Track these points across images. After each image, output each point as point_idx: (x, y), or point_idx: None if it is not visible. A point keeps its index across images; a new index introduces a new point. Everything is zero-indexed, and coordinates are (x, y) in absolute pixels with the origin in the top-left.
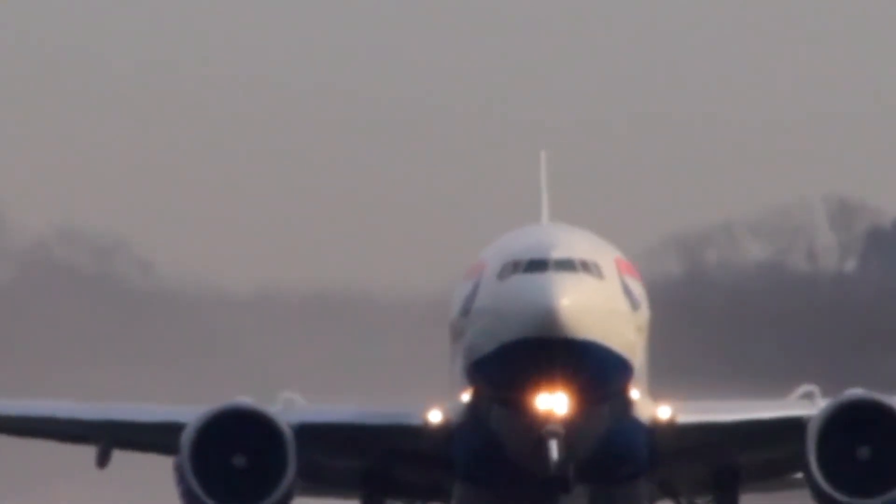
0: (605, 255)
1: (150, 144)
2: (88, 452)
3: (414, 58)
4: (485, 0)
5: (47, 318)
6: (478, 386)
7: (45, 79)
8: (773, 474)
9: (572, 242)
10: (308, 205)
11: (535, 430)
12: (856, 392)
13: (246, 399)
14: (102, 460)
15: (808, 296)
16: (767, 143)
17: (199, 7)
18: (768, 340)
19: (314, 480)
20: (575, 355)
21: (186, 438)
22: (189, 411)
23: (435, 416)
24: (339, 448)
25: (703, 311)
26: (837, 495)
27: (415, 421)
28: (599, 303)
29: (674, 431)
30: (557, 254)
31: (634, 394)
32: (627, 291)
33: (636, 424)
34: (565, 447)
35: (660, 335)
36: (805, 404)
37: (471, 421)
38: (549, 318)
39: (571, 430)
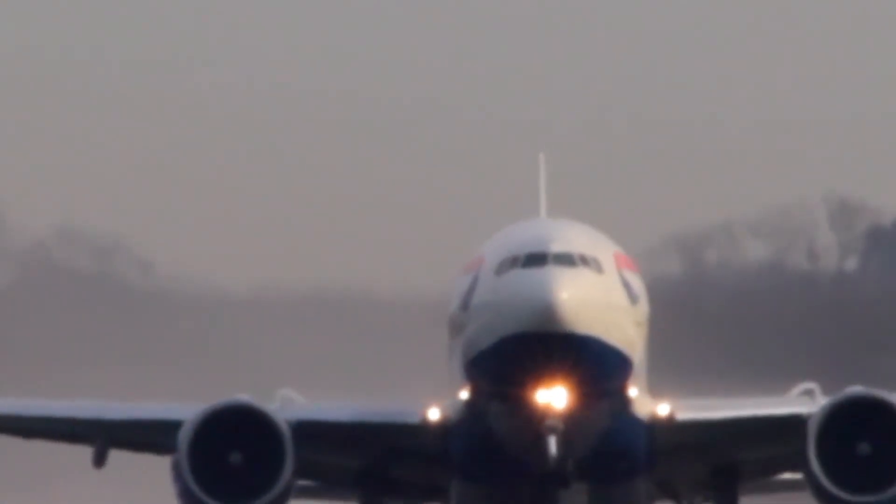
0: (604, 249)
1: (150, 144)
2: (85, 452)
3: (414, 58)
4: (485, 0)
5: (47, 318)
6: (476, 381)
7: (45, 79)
8: (773, 473)
9: (571, 236)
10: (308, 205)
11: (534, 425)
12: (856, 389)
13: (243, 396)
14: (99, 460)
15: (808, 296)
16: (767, 143)
17: (199, 7)
18: (768, 340)
19: (311, 479)
20: (574, 350)
21: (183, 436)
22: (186, 409)
23: (433, 414)
24: (336, 446)
25: (703, 311)
26: (838, 492)
27: (413, 419)
28: (598, 297)
29: (673, 428)
30: (556, 248)
31: (633, 391)
32: (626, 286)
33: (635, 421)
34: (564, 442)
35: (660, 335)
36: (805, 401)
37: (469, 418)
38: (547, 312)
39: (570, 426)
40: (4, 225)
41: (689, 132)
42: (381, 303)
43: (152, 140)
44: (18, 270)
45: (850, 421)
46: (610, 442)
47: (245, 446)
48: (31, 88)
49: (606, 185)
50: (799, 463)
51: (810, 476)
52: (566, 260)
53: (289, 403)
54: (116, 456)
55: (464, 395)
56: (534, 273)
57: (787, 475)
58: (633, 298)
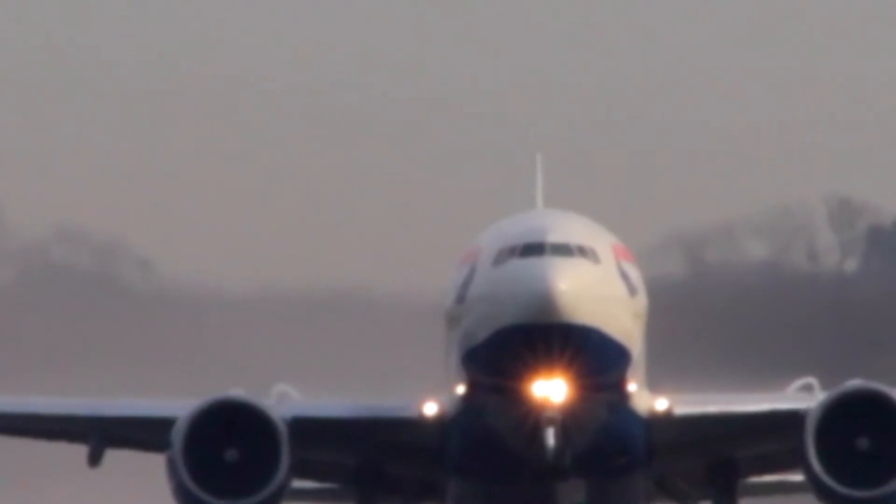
0: (602, 239)
1: (150, 144)
2: (80, 452)
3: (414, 58)
4: (484, 0)
5: (47, 317)
6: (474, 373)
7: (45, 79)
8: (772, 470)
9: (569, 227)
10: (307, 204)
11: (532, 417)
12: (855, 383)
13: (238, 392)
14: (94, 458)
15: (808, 296)
16: (767, 143)
17: (199, 7)
18: (768, 340)
19: (307, 477)
20: (571, 340)
21: (178, 432)
22: (182, 406)
23: (430, 409)
24: (332, 442)
25: (703, 311)
26: (837, 487)
27: (409, 414)
28: (596, 287)
29: (671, 423)
30: (553, 238)
31: (632, 386)
32: (625, 277)
33: (633, 416)
34: (562, 435)
35: (660, 336)
36: (803, 397)
37: (466, 412)
38: (545, 302)
39: (568, 418)
40: (4, 225)
41: (689, 132)
42: (379, 301)
43: (152, 140)
44: (18, 270)
45: (849, 415)
46: (608, 436)
47: (241, 442)
48: (31, 89)
49: (606, 185)
50: (798, 460)
51: (809, 471)
52: (564, 250)
53: (284, 399)
54: (112, 455)
55: (461, 389)
56: (531, 263)
57: (787, 477)
58: (631, 290)
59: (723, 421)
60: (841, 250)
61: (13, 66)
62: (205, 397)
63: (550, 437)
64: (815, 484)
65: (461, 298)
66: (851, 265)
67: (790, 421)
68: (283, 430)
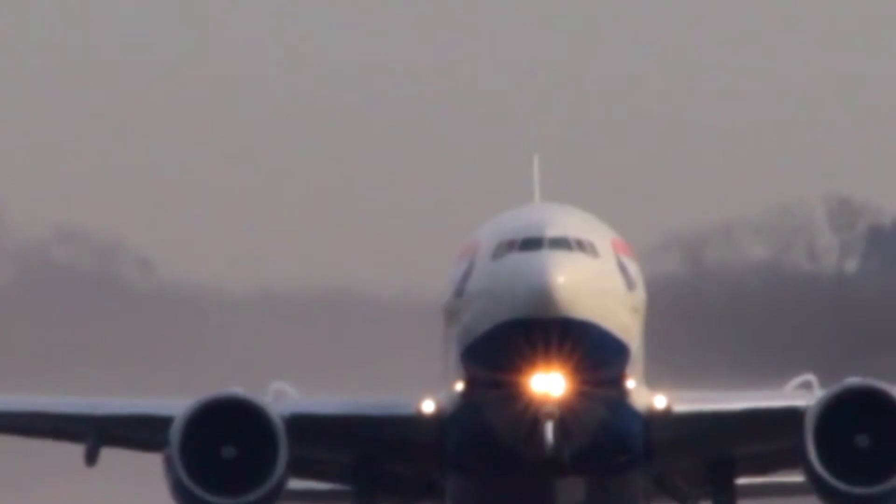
0: (601, 234)
1: (150, 145)
2: (76, 452)
3: (414, 59)
4: (483, 1)
5: (47, 317)
6: (473, 368)
7: (45, 79)
8: (770, 468)
9: (567, 221)
10: (307, 204)
11: (530, 412)
12: (854, 380)
13: (236, 389)
14: (91, 457)
15: (809, 296)
16: (767, 143)
17: (199, 8)
18: (768, 340)
19: (305, 475)
20: (569, 334)
21: (175, 429)
22: (179, 404)
23: (428, 406)
24: (330, 439)
25: (703, 311)
26: (837, 484)
27: (407, 411)
28: (595, 281)
29: (670, 420)
30: (552, 232)
31: (630, 382)
32: (623, 271)
33: (632, 413)
34: (560, 429)
35: (660, 336)
36: (803, 394)
37: (464, 409)
38: (543, 296)
39: (567, 412)
40: (4, 225)
41: (689, 132)
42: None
43: (152, 140)
44: (18, 270)
45: (848, 412)
46: (607, 433)
47: (238, 439)
48: (31, 89)
49: (606, 185)
50: (797, 458)
51: (808, 468)
52: (562, 244)
53: (282, 397)
54: (110, 455)
55: (459, 385)
56: (529, 257)
57: (786, 478)
58: (630, 284)
59: (721, 418)
60: (841, 250)
61: (13, 66)
62: (202, 395)
63: (549, 432)
64: (814, 481)
65: (460, 292)
66: (851, 265)
67: (789, 418)
68: (280, 428)
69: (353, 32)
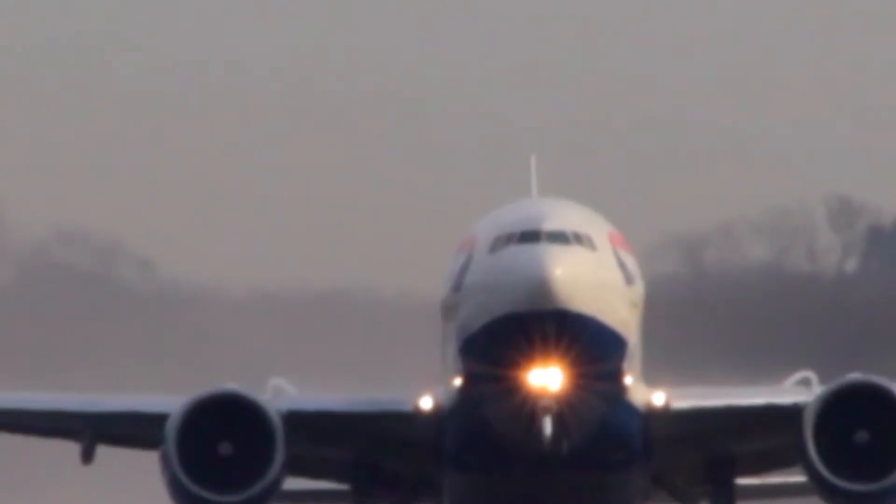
0: (599, 227)
1: (149, 145)
2: (74, 450)
3: (413, 59)
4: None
5: (47, 317)
6: (471, 363)
7: (45, 79)
8: (769, 467)
9: (565, 214)
10: (306, 204)
11: (528, 406)
12: (854, 376)
13: (233, 385)
14: (87, 455)
15: (809, 296)
16: (767, 143)
17: (199, 8)
18: (768, 341)
19: (302, 473)
20: (567, 328)
21: (172, 425)
22: (175, 401)
23: (426, 403)
24: (328, 436)
25: (703, 311)
26: (836, 481)
27: (405, 407)
28: (592, 275)
29: (668, 417)
30: (549, 225)
31: (629, 379)
32: (621, 265)
33: (630, 409)
34: (558, 423)
35: (659, 336)
36: (801, 391)
37: (462, 405)
38: (540, 289)
39: (564, 406)
40: (4, 225)
41: (688, 132)
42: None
43: (152, 140)
44: (18, 270)
45: (847, 408)
46: (605, 430)
47: (235, 436)
48: (31, 88)
49: (605, 185)
50: (796, 455)
51: (808, 465)
52: (560, 237)
53: (280, 393)
54: (108, 454)
55: (457, 381)
56: (527, 250)
57: (784, 479)
58: (628, 278)
59: (720, 415)
60: (841, 250)
61: (13, 66)
62: (199, 391)
63: (547, 426)
64: (814, 478)
65: (457, 287)
66: (851, 265)
67: (788, 414)
68: (278, 424)
69: (353, 33)
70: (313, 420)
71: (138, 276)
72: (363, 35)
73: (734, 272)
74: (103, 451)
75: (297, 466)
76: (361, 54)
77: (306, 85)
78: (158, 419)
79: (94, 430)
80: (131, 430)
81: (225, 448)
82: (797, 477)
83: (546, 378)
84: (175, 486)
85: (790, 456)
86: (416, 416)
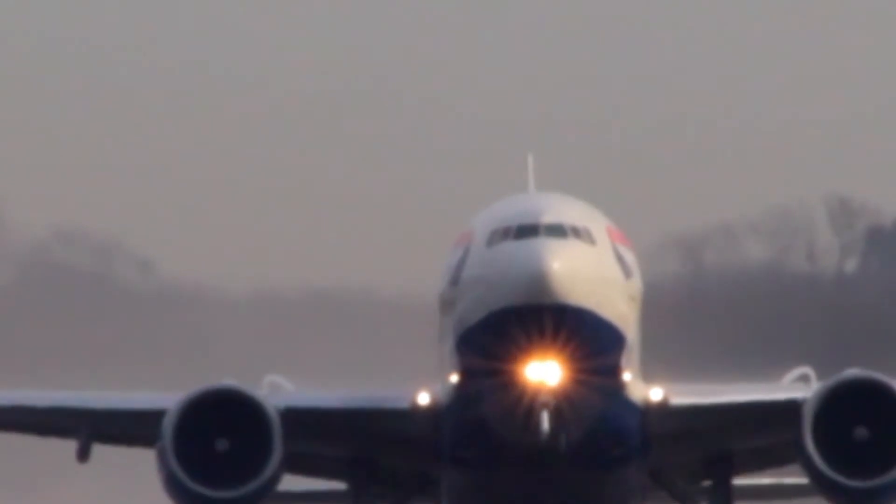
0: (597, 221)
1: (150, 144)
2: (68, 449)
3: (414, 59)
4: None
5: (47, 317)
6: (468, 357)
7: (45, 79)
8: (768, 464)
9: (563, 208)
10: (306, 204)
11: (526, 401)
12: (852, 372)
13: (230, 381)
14: (83, 453)
15: (808, 296)
16: (767, 143)
17: (199, 8)
18: (768, 341)
19: (300, 471)
20: (565, 322)
21: (169, 421)
22: (172, 399)
23: (423, 399)
24: (326, 433)
25: (702, 311)
26: (836, 477)
27: (402, 404)
28: (591, 269)
29: (667, 413)
30: (547, 219)
31: (627, 375)
32: (620, 259)
33: (628, 405)
34: (556, 418)
35: (659, 336)
36: (800, 387)
37: (460, 399)
38: (538, 283)
39: (562, 401)
40: (4, 225)
41: (688, 132)
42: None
43: (152, 140)
44: (18, 270)
45: (846, 404)
46: (603, 426)
47: (232, 432)
48: (31, 88)
49: (606, 185)
50: (794, 452)
51: (807, 461)
52: (558, 231)
53: (277, 390)
54: (101, 451)
55: (454, 377)
56: (525, 244)
57: (783, 479)
58: (626, 272)
59: (719, 411)
60: (840, 251)
61: (13, 66)
62: (196, 387)
63: (545, 421)
64: (813, 475)
65: (455, 281)
66: (851, 265)
67: (787, 411)
68: (275, 421)
69: (352, 33)
70: (310, 416)
71: (138, 276)
72: (362, 35)
73: (734, 272)
74: (100, 449)
75: (294, 465)
76: (360, 54)
77: (306, 85)
78: (155, 416)
79: (90, 428)
80: (128, 427)
81: (222, 444)
82: (795, 478)
83: (544, 373)
84: (172, 483)
85: (789, 453)
86: (413, 413)
